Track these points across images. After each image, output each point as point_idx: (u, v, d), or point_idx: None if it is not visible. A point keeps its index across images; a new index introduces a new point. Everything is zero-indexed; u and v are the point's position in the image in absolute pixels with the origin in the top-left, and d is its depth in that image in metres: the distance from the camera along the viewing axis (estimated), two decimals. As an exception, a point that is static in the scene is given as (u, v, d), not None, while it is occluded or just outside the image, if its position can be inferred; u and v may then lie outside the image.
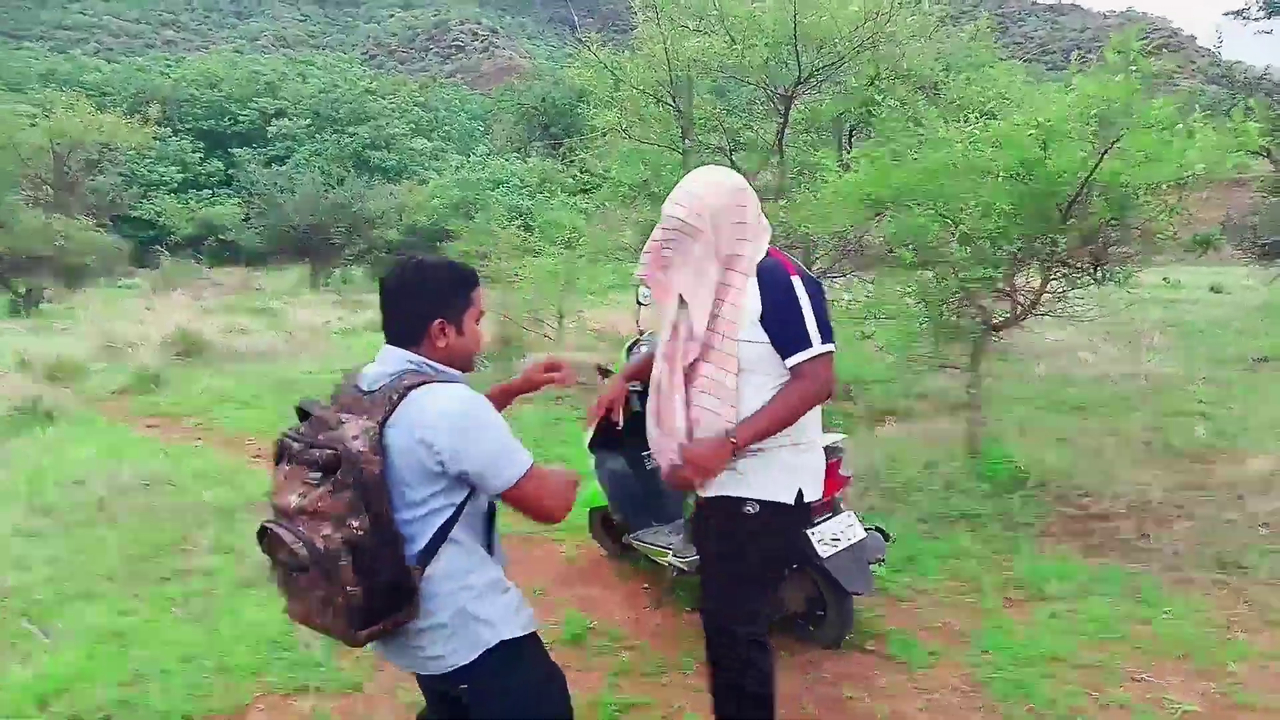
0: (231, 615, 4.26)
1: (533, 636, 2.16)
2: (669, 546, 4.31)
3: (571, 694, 3.41)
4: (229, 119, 54.87)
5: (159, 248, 32.77)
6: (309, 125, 54.00)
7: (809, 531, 3.65)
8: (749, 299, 2.48)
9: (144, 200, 40.36)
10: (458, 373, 2.08)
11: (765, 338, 2.47)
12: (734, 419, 2.50)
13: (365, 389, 2.00)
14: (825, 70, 8.54)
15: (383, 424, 1.89)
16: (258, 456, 7.30)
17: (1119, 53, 4.97)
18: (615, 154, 10.11)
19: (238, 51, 66.44)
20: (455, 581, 2.01)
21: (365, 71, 65.69)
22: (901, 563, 4.65)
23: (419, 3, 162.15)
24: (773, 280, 2.49)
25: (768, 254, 2.57)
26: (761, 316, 2.47)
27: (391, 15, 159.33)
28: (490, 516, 2.14)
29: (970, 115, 5.89)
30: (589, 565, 4.93)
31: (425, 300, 2.02)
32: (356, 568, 1.83)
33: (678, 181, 2.59)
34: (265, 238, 33.11)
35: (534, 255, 12.62)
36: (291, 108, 56.20)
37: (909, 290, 6.06)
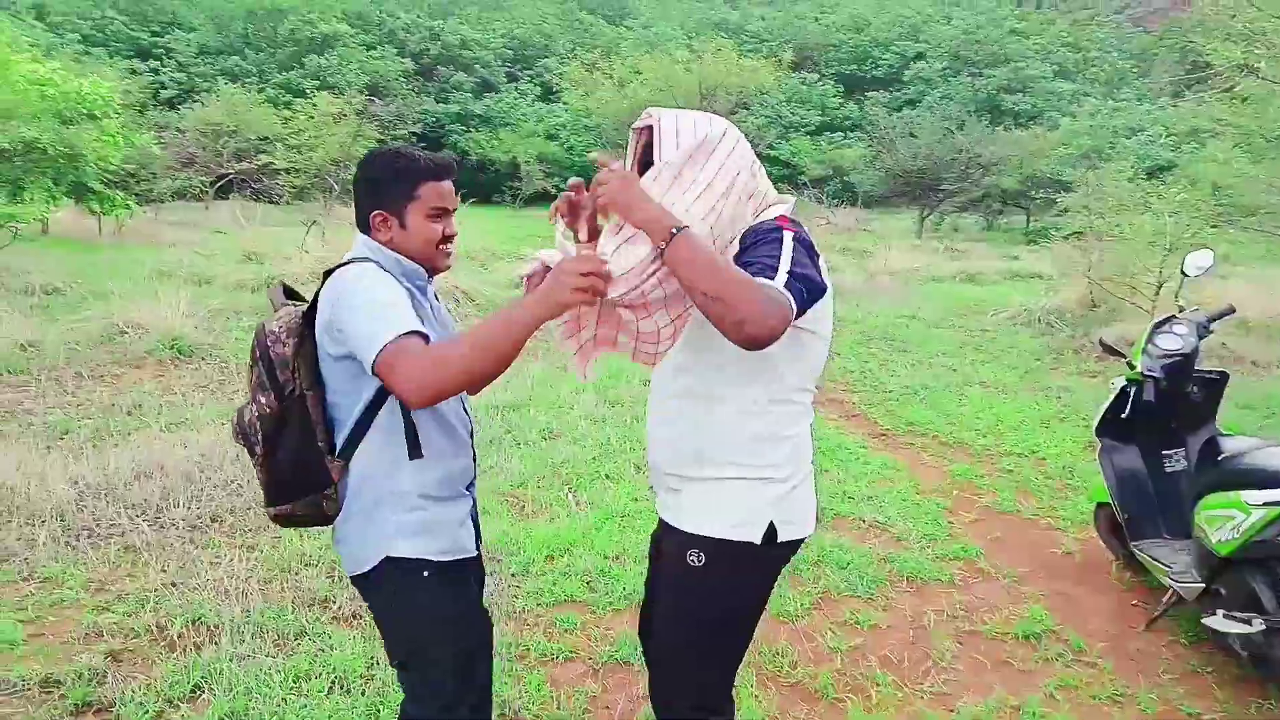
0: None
1: (438, 568, 1.96)
2: (1171, 565, 3.68)
3: (997, 692, 3.15)
4: (870, 63, 56.51)
5: (788, 185, 35.52)
6: (945, 69, 53.34)
7: None
8: None
9: (783, 141, 43.87)
10: (413, 264, 1.99)
11: None
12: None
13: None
14: None
15: (311, 307, 1.92)
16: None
17: None
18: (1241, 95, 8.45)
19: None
20: (369, 481, 1.94)
21: (1013, 10, 62.41)
22: None
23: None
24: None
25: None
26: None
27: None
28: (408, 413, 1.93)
29: None
30: (1084, 563, 4.41)
31: (364, 190, 1.98)
32: (264, 442, 1.92)
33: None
34: (883, 181, 34.02)
35: (1143, 212, 11.15)
36: (931, 50, 55.92)
37: None
